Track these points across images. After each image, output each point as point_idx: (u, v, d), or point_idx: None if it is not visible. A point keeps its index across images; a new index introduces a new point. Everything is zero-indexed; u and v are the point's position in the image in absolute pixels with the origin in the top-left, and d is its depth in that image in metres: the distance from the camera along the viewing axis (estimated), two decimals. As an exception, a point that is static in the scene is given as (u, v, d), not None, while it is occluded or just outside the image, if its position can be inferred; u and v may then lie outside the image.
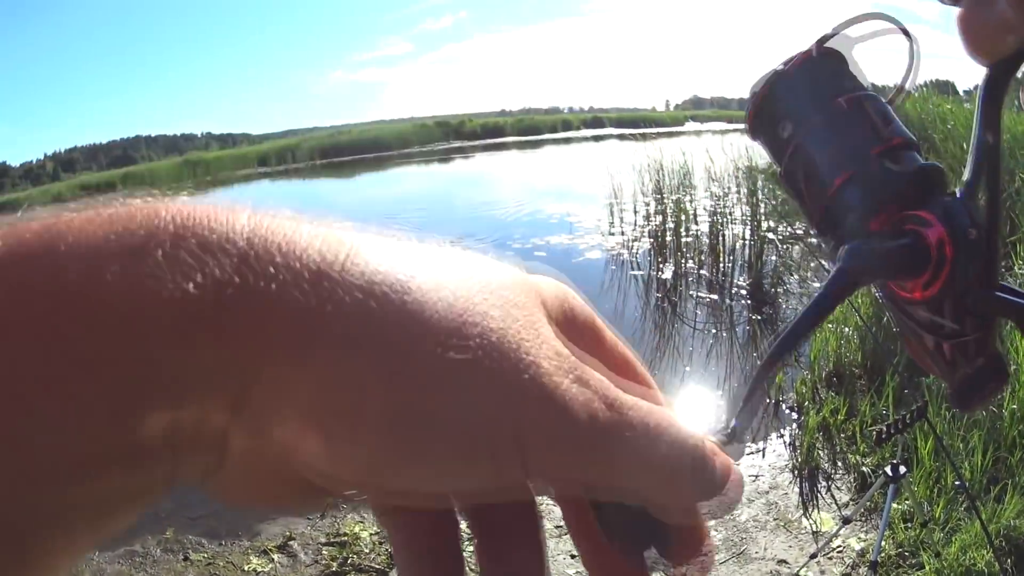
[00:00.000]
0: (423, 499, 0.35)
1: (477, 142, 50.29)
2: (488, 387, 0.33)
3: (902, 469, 3.55)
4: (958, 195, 0.61)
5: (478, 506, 0.41)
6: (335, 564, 4.83)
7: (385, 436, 0.32)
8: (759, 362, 0.59)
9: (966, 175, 0.61)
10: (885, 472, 3.56)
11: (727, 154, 11.73)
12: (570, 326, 0.41)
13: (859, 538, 4.38)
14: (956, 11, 0.54)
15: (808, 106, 0.71)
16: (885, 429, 3.38)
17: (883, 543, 4.05)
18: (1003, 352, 0.62)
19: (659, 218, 12.50)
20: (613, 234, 14.14)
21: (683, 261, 11.33)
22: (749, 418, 0.53)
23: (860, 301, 6.17)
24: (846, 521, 4.07)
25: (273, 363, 0.31)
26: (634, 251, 12.68)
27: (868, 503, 4.44)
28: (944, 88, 17.08)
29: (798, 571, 4.16)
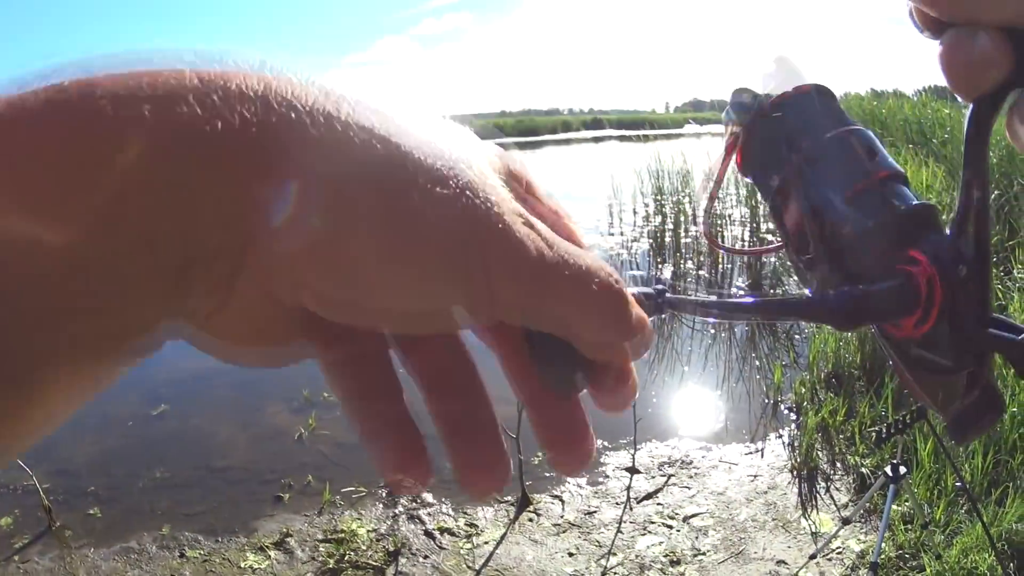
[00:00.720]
0: (398, 319, 0.41)
1: (477, 143, 50.52)
2: (464, 219, 0.38)
3: (902, 470, 3.53)
4: (947, 232, 0.60)
5: (423, 349, 0.48)
6: (332, 561, 4.79)
7: (379, 234, 0.36)
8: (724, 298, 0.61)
9: (955, 211, 0.60)
10: (885, 473, 3.54)
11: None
12: (510, 179, 0.46)
13: (859, 539, 4.36)
14: (936, 47, 0.53)
15: (797, 141, 0.71)
16: (885, 429, 3.38)
17: (883, 545, 4.03)
18: (996, 384, 0.62)
19: (658, 219, 12.51)
20: (612, 234, 14.16)
21: (682, 262, 11.36)
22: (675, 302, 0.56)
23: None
24: (845, 522, 4.05)
25: (296, 185, 0.35)
26: (633, 251, 12.69)
27: (868, 504, 4.42)
28: (942, 93, 17.13)
29: (797, 572, 4.14)
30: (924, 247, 0.58)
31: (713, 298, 0.58)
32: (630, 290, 0.48)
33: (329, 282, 0.37)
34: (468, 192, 0.39)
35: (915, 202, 0.63)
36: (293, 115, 0.35)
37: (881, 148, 0.66)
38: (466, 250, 0.38)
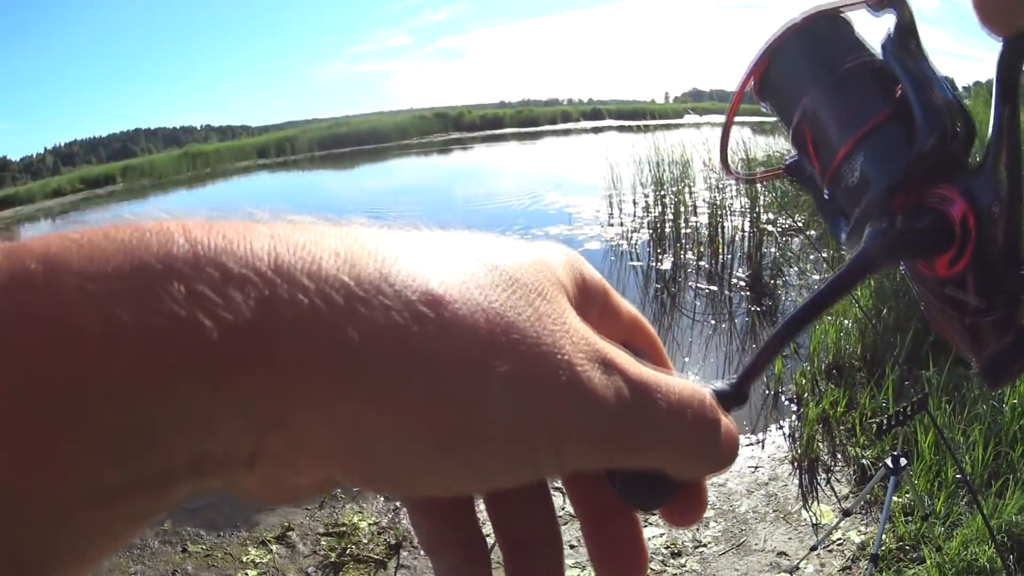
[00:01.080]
0: (452, 491, 0.36)
1: (476, 133, 50.42)
2: (527, 393, 0.34)
3: (903, 461, 3.52)
4: (979, 169, 0.58)
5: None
6: (333, 554, 4.80)
7: (429, 458, 0.33)
8: (770, 334, 0.59)
9: (986, 150, 0.58)
10: (886, 464, 3.53)
11: (740, 146, 11.72)
12: (584, 295, 0.42)
13: (859, 531, 4.36)
14: None
15: (819, 68, 0.70)
16: (885, 421, 3.36)
17: (883, 536, 4.04)
18: None
19: (658, 209, 12.51)
20: (612, 225, 14.16)
21: (682, 252, 11.35)
22: (751, 381, 0.53)
23: (860, 293, 6.15)
24: (846, 513, 4.05)
25: (310, 399, 0.30)
26: (633, 242, 12.68)
27: (868, 496, 4.42)
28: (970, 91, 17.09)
29: (798, 563, 4.14)
30: (957, 184, 0.58)
31: (769, 337, 0.58)
32: (707, 388, 0.45)
33: (362, 476, 0.33)
34: (530, 356, 0.34)
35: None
36: (303, 298, 0.30)
37: (906, 76, 0.64)
38: (533, 432, 0.34)
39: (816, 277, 8.28)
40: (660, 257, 11.46)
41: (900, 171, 0.62)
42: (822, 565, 4.14)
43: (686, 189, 12.14)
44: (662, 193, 12.48)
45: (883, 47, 0.67)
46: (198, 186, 38.31)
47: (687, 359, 7.38)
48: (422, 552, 4.69)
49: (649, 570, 4.01)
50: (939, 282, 0.60)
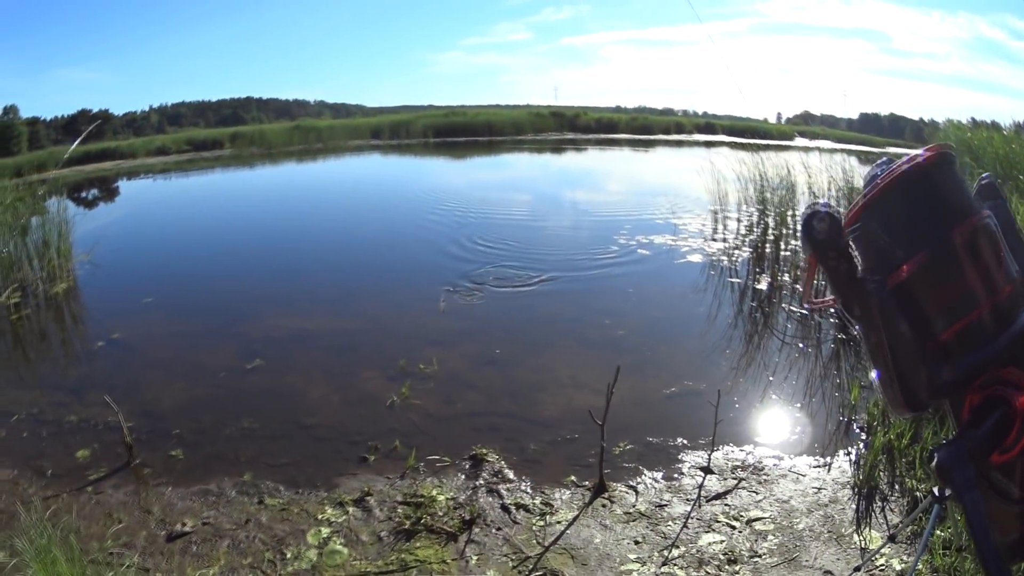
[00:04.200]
0: None
1: (591, 136, 50.32)
2: None
3: (948, 492, 3.54)
4: None
5: None
6: (408, 522, 5.04)
7: None
8: None
9: None
10: (932, 493, 3.58)
11: (831, 173, 11.67)
12: None
13: (902, 559, 4.40)
14: None
15: (923, 230, 0.76)
16: (900, 449, 3.40)
17: (923, 567, 4.12)
18: None
19: (760, 229, 12.55)
20: (716, 240, 14.21)
21: (779, 274, 11.37)
22: None
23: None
24: (891, 539, 4.12)
25: None
26: (734, 259, 12.73)
27: (915, 526, 4.52)
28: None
29: None
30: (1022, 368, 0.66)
31: None
32: None
33: None
34: None
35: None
36: None
37: (1006, 252, 0.69)
38: None
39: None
40: (758, 276, 11.50)
41: (993, 354, 0.71)
42: None
43: (789, 211, 12.12)
44: (766, 213, 12.50)
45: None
46: (308, 160, 38.90)
47: (771, 378, 7.47)
48: (494, 530, 4.95)
49: (704, 572, 4.18)
50: (989, 467, 0.69)
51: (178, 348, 8.92)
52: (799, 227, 1.65)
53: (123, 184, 32.01)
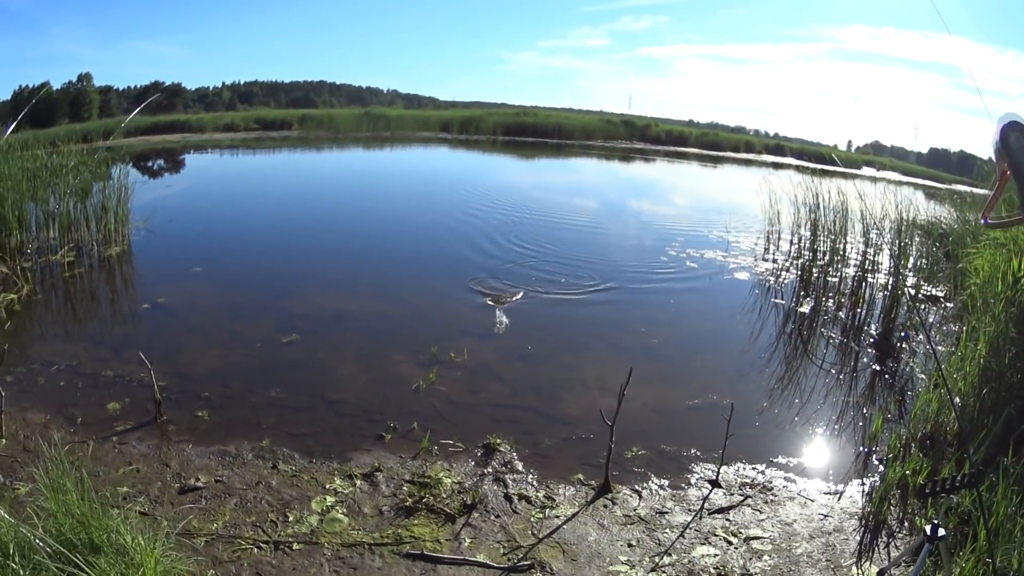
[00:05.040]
0: None
1: (660, 147, 50.17)
2: None
3: (940, 531, 3.48)
4: None
5: None
6: (410, 500, 5.16)
7: None
8: None
9: None
10: (924, 531, 3.50)
11: (884, 204, 11.54)
12: None
13: None
14: None
15: None
16: (931, 485, 3.33)
17: None
18: None
19: (810, 253, 12.47)
20: (766, 260, 14.13)
21: (824, 299, 11.29)
22: None
23: (968, 369, 6.10)
24: (880, 574, 3.96)
25: None
26: (781, 280, 12.66)
27: (905, 562, 4.37)
28: None
29: None
30: None
31: None
32: None
33: None
34: None
35: None
36: None
37: None
38: None
39: (941, 349, 8.14)
40: (802, 299, 11.42)
41: None
42: None
43: (841, 239, 12.01)
44: (817, 238, 12.41)
45: None
46: (375, 147, 39.24)
47: (798, 401, 7.44)
48: (493, 516, 5.02)
49: (692, 585, 4.19)
50: None
51: (219, 317, 9.15)
52: (994, 139, 1.61)
53: (189, 157, 32.66)
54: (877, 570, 4.59)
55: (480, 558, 4.54)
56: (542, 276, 11.71)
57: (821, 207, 12.45)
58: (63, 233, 12.09)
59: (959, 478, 3.35)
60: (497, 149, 42.73)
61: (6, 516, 3.48)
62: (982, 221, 2.40)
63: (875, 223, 11.36)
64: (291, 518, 4.86)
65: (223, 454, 5.74)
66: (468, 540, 4.74)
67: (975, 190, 15.67)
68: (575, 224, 17.24)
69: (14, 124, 13.20)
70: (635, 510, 5.25)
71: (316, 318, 9.15)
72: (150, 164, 28.52)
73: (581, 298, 10.67)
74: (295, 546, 4.58)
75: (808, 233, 12.76)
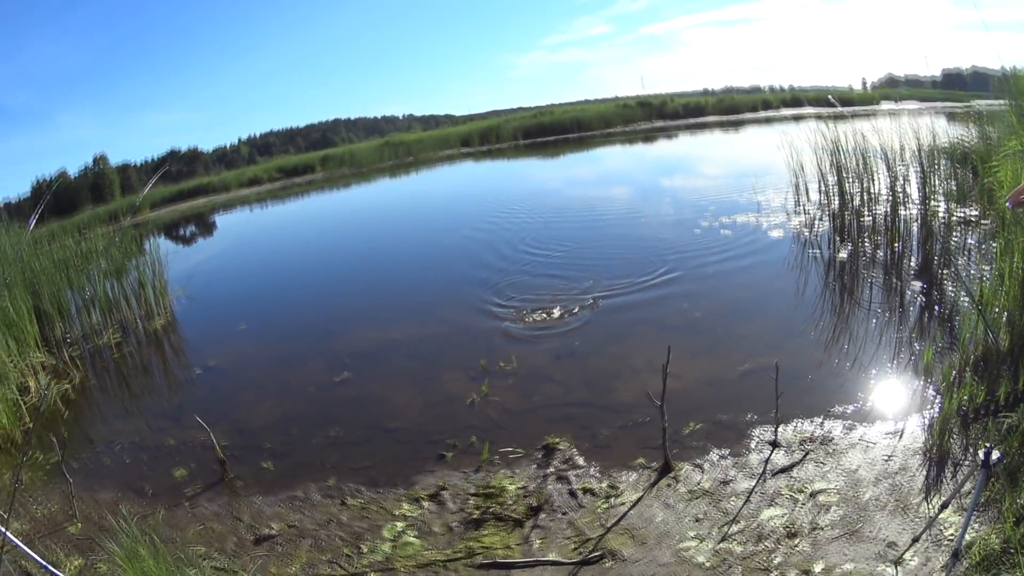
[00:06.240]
0: None
1: (680, 121, 49.85)
2: None
3: (995, 455, 3.38)
4: None
5: None
6: (477, 512, 5.26)
7: None
8: None
9: None
10: (977, 457, 3.35)
11: (901, 136, 11.40)
12: None
13: (973, 528, 4.23)
14: None
15: None
16: (973, 409, 3.27)
17: (994, 538, 3.99)
18: None
19: (839, 199, 12.39)
20: (798, 214, 14.04)
21: (860, 242, 11.22)
22: None
23: (1008, 284, 6.03)
24: (943, 507, 3.84)
25: None
26: (816, 232, 12.58)
27: (988, 492, 4.33)
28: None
29: (902, 554, 4.15)
30: None
31: None
32: None
33: None
34: None
35: None
36: None
37: None
38: None
39: (986, 268, 8.03)
40: (839, 247, 11.36)
41: None
42: (927, 560, 4.12)
43: (867, 177, 11.89)
44: (843, 184, 12.30)
45: None
46: (401, 174, 39.48)
47: (847, 348, 7.41)
48: (559, 515, 5.09)
49: (762, 546, 4.23)
50: None
51: (270, 368, 9.34)
52: None
53: (218, 218, 33.15)
54: (952, 503, 4.49)
55: (551, 556, 4.61)
56: (570, 275, 11.81)
57: (841, 150, 12.32)
58: (105, 315, 12.38)
59: (1003, 398, 3.29)
60: (521, 153, 42.80)
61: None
62: (1007, 204, 2.37)
63: (898, 156, 11.24)
64: (364, 549, 4.98)
65: (292, 499, 5.88)
66: (538, 541, 4.82)
67: (992, 103, 15.44)
68: (608, 216, 17.25)
69: (35, 218, 13.52)
70: (698, 484, 5.28)
71: (364, 353, 9.29)
72: (181, 232, 29.06)
73: (621, 285, 10.68)
74: (371, 575, 4.68)
75: (834, 179, 12.64)
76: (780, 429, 5.84)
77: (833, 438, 5.65)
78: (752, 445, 5.75)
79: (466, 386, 7.65)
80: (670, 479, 5.39)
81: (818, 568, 4.16)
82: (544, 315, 9.61)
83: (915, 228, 10.62)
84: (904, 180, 11.01)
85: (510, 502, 5.34)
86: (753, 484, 5.19)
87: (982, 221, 9.80)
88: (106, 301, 12.45)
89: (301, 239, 21.45)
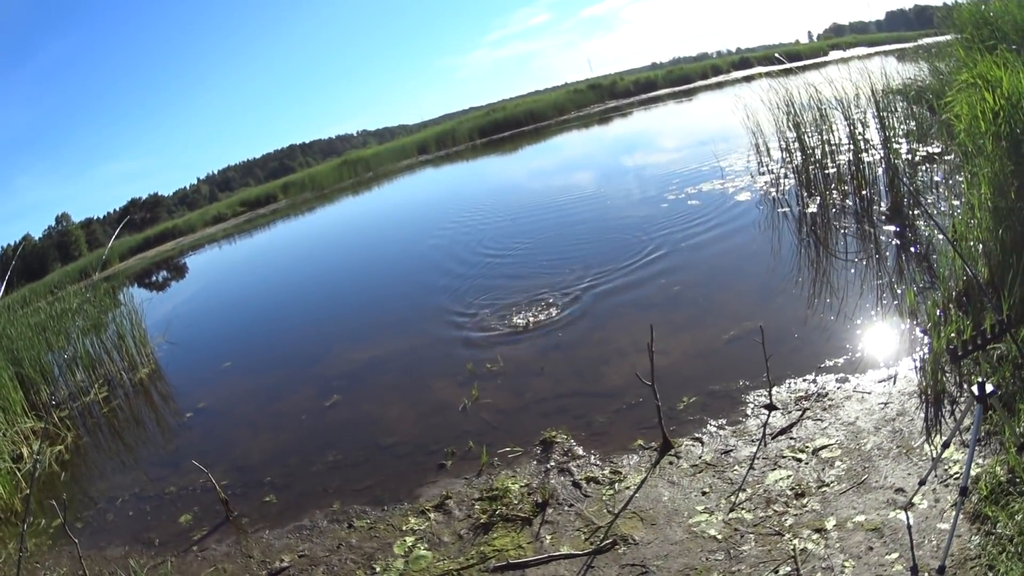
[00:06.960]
0: None
1: (632, 99, 50.06)
2: None
3: (989, 387, 3.33)
4: None
5: None
6: (484, 516, 5.22)
7: None
8: None
9: None
10: (971, 391, 3.32)
11: (854, 82, 11.41)
12: None
13: (977, 463, 4.22)
14: None
15: None
16: (960, 346, 3.23)
17: (999, 469, 3.99)
18: None
19: (800, 155, 12.40)
20: (762, 174, 14.09)
21: (828, 193, 11.25)
22: None
23: (979, 215, 6.04)
24: (945, 446, 3.84)
25: None
26: (782, 189, 12.62)
27: (988, 425, 4.34)
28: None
29: (911, 498, 4.13)
30: None
31: None
32: None
33: None
34: None
35: None
36: None
37: None
38: None
39: (956, 203, 8.05)
40: (807, 201, 11.38)
41: None
42: (936, 500, 4.10)
43: (826, 129, 11.90)
44: (802, 138, 12.31)
45: None
46: (363, 191, 39.38)
47: (830, 300, 7.41)
48: (566, 507, 5.05)
49: (771, 511, 4.19)
50: None
51: (260, 402, 9.28)
52: None
53: (189, 259, 33.03)
54: (954, 441, 4.49)
55: (564, 550, 4.58)
56: (546, 266, 11.81)
57: (795, 105, 12.33)
58: (89, 372, 12.27)
59: (989, 330, 3.26)
60: (479, 153, 42.80)
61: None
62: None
63: (852, 102, 11.26)
64: (378, 568, 4.93)
65: (299, 529, 5.83)
66: (549, 537, 4.78)
67: (938, 39, 15.49)
68: (575, 203, 17.24)
69: (3, 286, 13.39)
70: (700, 458, 5.26)
71: (350, 374, 9.24)
72: (153, 278, 28.96)
73: (595, 270, 10.66)
74: (387, 594, 4.64)
75: (792, 134, 12.65)
76: (774, 391, 5.83)
77: (828, 392, 5.64)
78: (748, 411, 5.73)
79: (456, 392, 7.61)
80: (671, 456, 5.36)
81: (830, 524, 4.14)
82: (525, 316, 9.56)
83: (880, 172, 10.67)
84: (863, 126, 11.03)
85: (516, 502, 5.29)
86: (755, 450, 5.16)
87: (945, 156, 9.85)
88: (88, 358, 12.32)
89: (274, 269, 21.40)
